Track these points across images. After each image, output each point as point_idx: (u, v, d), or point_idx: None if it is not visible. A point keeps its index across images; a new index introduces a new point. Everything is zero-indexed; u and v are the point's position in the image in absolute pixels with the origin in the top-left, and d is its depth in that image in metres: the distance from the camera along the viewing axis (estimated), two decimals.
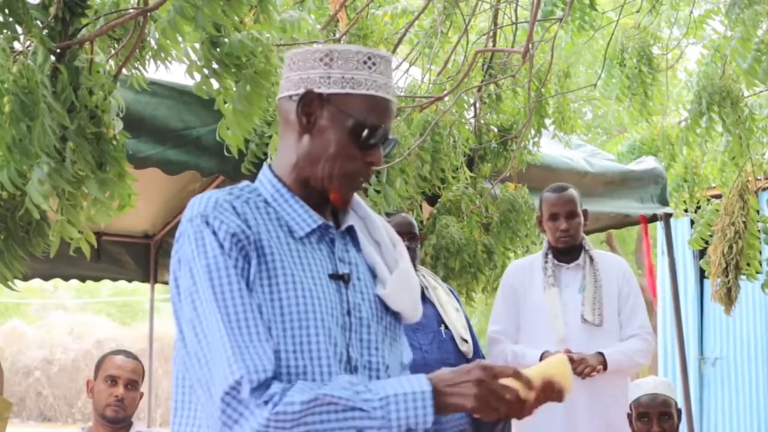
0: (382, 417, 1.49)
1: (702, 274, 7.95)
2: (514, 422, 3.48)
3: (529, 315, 3.76)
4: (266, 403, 1.48)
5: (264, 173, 1.71)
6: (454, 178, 4.37)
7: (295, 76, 1.68)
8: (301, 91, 1.66)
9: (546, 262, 3.78)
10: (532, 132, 4.66)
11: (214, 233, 1.57)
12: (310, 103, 1.65)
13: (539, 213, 3.88)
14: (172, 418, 1.67)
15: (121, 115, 2.62)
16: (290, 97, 1.67)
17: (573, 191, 3.78)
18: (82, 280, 6.21)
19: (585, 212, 3.82)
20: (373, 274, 1.73)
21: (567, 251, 3.79)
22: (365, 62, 1.65)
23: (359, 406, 1.49)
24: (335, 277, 1.65)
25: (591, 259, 3.77)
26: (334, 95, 1.64)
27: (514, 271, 3.90)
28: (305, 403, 1.48)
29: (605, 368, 3.58)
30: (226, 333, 1.52)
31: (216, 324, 1.53)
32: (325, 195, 1.69)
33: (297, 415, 1.47)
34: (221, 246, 1.56)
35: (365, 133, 1.65)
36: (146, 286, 6.58)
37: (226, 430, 1.50)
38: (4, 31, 2.44)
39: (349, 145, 1.65)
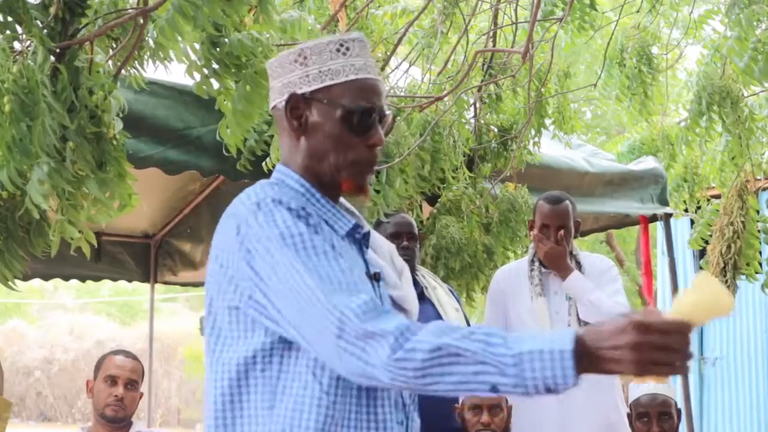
0: (515, 375, 1.38)
1: None
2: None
3: (518, 322, 3.75)
4: (387, 341, 1.42)
5: (286, 174, 1.70)
6: (453, 178, 4.37)
7: (277, 84, 1.70)
8: (286, 96, 1.67)
9: (532, 269, 3.75)
10: (532, 132, 4.66)
11: (289, 209, 1.57)
12: (296, 106, 1.67)
13: (532, 218, 3.86)
14: (214, 422, 1.60)
15: (121, 115, 2.62)
16: (279, 105, 1.69)
17: (568, 204, 3.72)
18: (82, 280, 6.20)
19: (577, 223, 3.79)
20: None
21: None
22: (338, 50, 1.66)
23: (489, 361, 1.38)
24: (369, 276, 1.68)
25: (578, 264, 3.76)
26: (316, 91, 1.65)
27: (503, 278, 3.87)
28: (429, 352, 1.40)
29: (565, 272, 3.61)
30: (334, 286, 1.49)
31: (320, 281, 1.50)
32: (339, 191, 1.70)
33: (419, 364, 1.40)
34: (299, 217, 1.56)
35: (356, 118, 1.65)
36: (146, 286, 6.57)
37: (358, 367, 1.44)
38: (4, 30, 2.44)
39: (345, 134, 1.66)
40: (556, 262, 3.66)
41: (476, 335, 1.41)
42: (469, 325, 3.69)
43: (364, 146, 1.67)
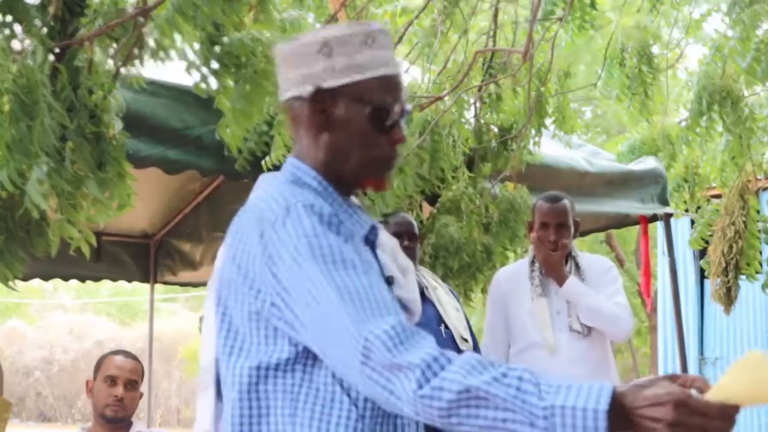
0: (544, 428, 1.31)
1: (702, 274, 7.95)
2: None
3: (518, 323, 3.75)
4: (414, 375, 1.35)
5: (302, 169, 1.63)
6: (453, 177, 4.37)
7: (295, 74, 1.61)
8: (308, 89, 1.59)
9: (533, 270, 3.76)
10: (532, 132, 4.65)
11: (320, 216, 1.51)
12: (321, 101, 1.59)
13: (531, 219, 3.87)
14: (238, 419, 1.55)
15: (120, 115, 2.62)
16: (298, 96, 1.61)
17: (567, 203, 3.73)
18: (82, 280, 6.20)
19: (577, 223, 3.79)
20: None
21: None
22: (365, 42, 1.58)
23: (519, 410, 1.32)
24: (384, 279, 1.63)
25: (577, 265, 3.76)
26: (343, 86, 1.58)
27: (503, 279, 3.87)
28: (456, 393, 1.34)
29: (561, 279, 3.62)
30: (362, 300, 1.43)
31: (343, 294, 1.44)
32: (355, 188, 1.66)
33: (446, 404, 1.34)
34: (330, 225, 1.51)
35: (384, 116, 1.59)
36: (146, 286, 6.56)
37: (382, 395, 1.39)
38: (4, 30, 2.44)
39: (371, 132, 1.59)
40: (552, 268, 3.67)
41: (508, 378, 1.34)
42: (468, 325, 3.69)
43: (387, 144, 1.62)
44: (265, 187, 1.62)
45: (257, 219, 1.54)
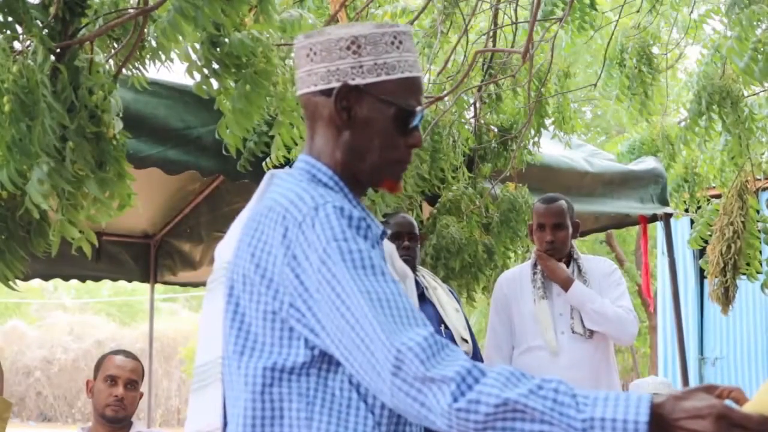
0: None
1: (702, 274, 7.95)
2: None
3: (521, 326, 3.75)
4: (449, 388, 1.34)
5: (316, 167, 1.60)
6: (453, 178, 4.37)
7: (320, 69, 1.58)
8: (334, 84, 1.56)
9: (535, 273, 3.76)
10: (532, 132, 4.66)
11: (350, 219, 1.48)
12: (347, 97, 1.56)
13: (531, 222, 3.88)
14: (251, 420, 1.52)
15: (120, 115, 2.62)
16: (321, 92, 1.58)
17: (563, 203, 3.75)
18: (82, 280, 6.20)
19: (576, 224, 3.80)
20: None
21: None
22: (392, 42, 1.57)
23: (556, 423, 1.31)
24: None
25: (579, 268, 3.76)
26: (370, 85, 1.56)
27: (506, 283, 3.87)
28: (494, 407, 1.32)
29: (566, 285, 3.62)
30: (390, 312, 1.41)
31: (374, 305, 1.42)
32: (367, 188, 1.65)
33: (482, 418, 1.33)
34: (359, 229, 1.48)
35: (407, 118, 1.58)
36: (146, 286, 6.57)
37: (412, 408, 1.37)
38: (4, 30, 2.44)
39: (394, 134, 1.58)
40: (555, 276, 3.68)
41: (544, 390, 1.32)
42: (468, 325, 3.69)
43: (404, 146, 1.60)
44: (284, 185, 1.59)
45: (281, 217, 1.51)
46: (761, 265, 5.14)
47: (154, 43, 2.71)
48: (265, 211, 1.55)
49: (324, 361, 1.50)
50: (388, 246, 1.65)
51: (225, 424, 1.66)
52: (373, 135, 1.58)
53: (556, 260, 3.73)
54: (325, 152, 1.61)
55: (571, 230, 3.76)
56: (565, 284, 3.66)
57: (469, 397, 1.33)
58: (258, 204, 1.63)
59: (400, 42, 1.58)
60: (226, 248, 1.67)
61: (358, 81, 1.56)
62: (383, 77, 1.56)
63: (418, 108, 1.60)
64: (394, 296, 1.43)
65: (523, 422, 1.32)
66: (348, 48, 1.56)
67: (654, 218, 5.84)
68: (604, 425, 1.29)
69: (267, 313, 1.51)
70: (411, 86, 1.59)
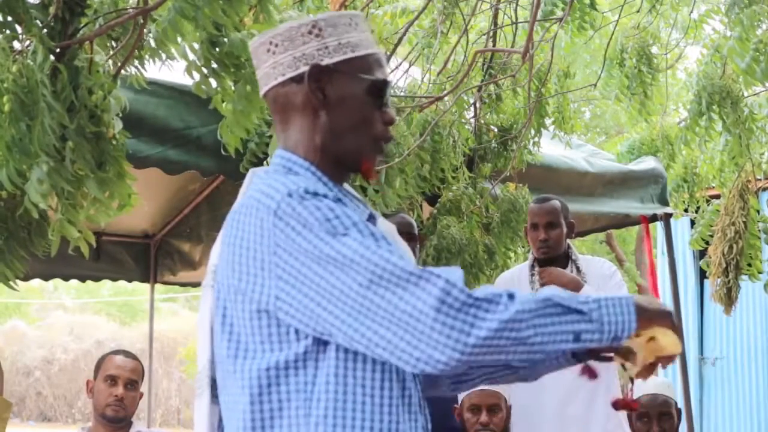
0: (597, 319, 1.49)
1: (702, 274, 7.95)
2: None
3: None
4: (496, 304, 1.44)
5: (292, 160, 1.61)
6: (453, 178, 4.37)
7: (286, 58, 1.60)
8: (303, 69, 1.59)
9: (533, 274, 3.76)
10: (532, 132, 4.66)
11: (325, 197, 1.50)
12: (319, 78, 1.59)
13: (527, 224, 3.87)
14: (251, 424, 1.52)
15: (120, 115, 2.62)
16: (291, 79, 1.60)
17: (556, 203, 3.75)
18: (82, 280, 6.21)
19: (571, 224, 3.79)
20: None
21: (549, 262, 3.74)
22: (350, 24, 1.62)
23: (578, 308, 1.49)
24: None
25: (577, 269, 3.75)
26: (339, 63, 1.59)
27: (503, 284, 3.86)
28: (536, 302, 1.47)
29: (577, 288, 3.57)
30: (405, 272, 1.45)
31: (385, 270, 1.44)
32: (350, 173, 1.66)
33: (528, 315, 1.45)
34: (336, 201, 1.51)
35: (380, 90, 1.62)
36: (146, 286, 6.57)
37: (461, 338, 1.41)
38: (4, 30, 2.44)
39: (371, 107, 1.61)
40: (563, 282, 3.60)
41: (558, 294, 1.51)
42: None
43: (381, 122, 1.63)
44: (261, 182, 1.59)
45: (254, 209, 1.52)
46: (762, 264, 5.14)
47: (153, 44, 2.71)
48: (241, 209, 1.56)
49: (318, 351, 1.50)
50: (390, 227, 1.64)
51: (221, 430, 1.64)
52: (350, 112, 1.61)
53: (551, 258, 3.71)
54: (302, 142, 1.62)
55: (565, 230, 3.75)
56: (576, 287, 3.61)
57: (517, 307, 1.44)
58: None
59: (357, 23, 1.63)
60: (215, 251, 1.66)
61: (327, 61, 1.59)
62: (349, 54, 1.60)
63: (389, 81, 1.64)
64: (392, 257, 1.45)
65: (561, 315, 1.48)
66: (310, 32, 1.60)
67: (654, 218, 5.84)
68: (608, 303, 1.52)
69: (253, 312, 1.51)
70: (376, 61, 1.64)
